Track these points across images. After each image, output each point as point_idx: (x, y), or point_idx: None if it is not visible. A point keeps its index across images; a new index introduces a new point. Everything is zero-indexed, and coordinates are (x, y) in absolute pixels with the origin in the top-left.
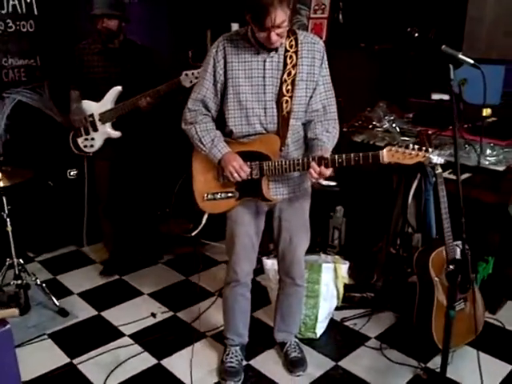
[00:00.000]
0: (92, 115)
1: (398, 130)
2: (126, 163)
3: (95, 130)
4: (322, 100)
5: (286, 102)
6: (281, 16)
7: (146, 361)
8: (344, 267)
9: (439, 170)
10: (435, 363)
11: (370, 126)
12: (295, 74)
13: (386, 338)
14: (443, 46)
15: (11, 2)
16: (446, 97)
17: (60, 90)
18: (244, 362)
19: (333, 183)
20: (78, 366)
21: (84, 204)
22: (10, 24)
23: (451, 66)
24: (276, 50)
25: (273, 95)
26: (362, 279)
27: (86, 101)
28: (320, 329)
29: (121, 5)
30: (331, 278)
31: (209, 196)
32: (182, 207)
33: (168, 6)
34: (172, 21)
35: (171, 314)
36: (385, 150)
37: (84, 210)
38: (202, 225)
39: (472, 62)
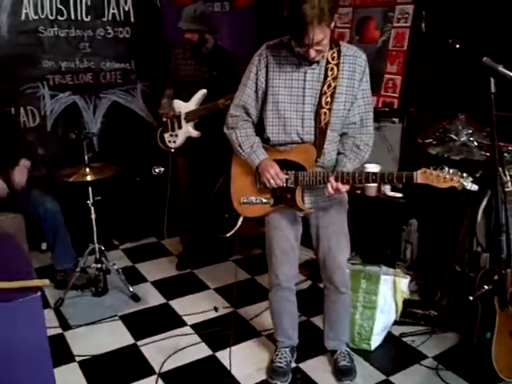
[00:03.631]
0: (180, 113)
1: (475, 144)
2: (203, 162)
3: (180, 127)
4: (360, 113)
5: (325, 113)
6: (319, 35)
7: (202, 351)
8: (404, 281)
9: (510, 188)
10: None
11: (447, 139)
12: (335, 87)
13: (444, 359)
14: (484, 58)
15: (111, 11)
16: None
17: (151, 93)
18: (293, 364)
19: (399, 194)
20: (141, 348)
21: (166, 199)
22: (110, 30)
23: (492, 79)
24: (317, 62)
25: (311, 106)
26: (427, 296)
27: (176, 100)
28: (375, 341)
29: (203, 19)
30: (390, 290)
31: (245, 200)
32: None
33: (255, 16)
34: (258, 31)
35: (232, 309)
36: (419, 172)
37: (166, 204)
38: (237, 227)
39: None
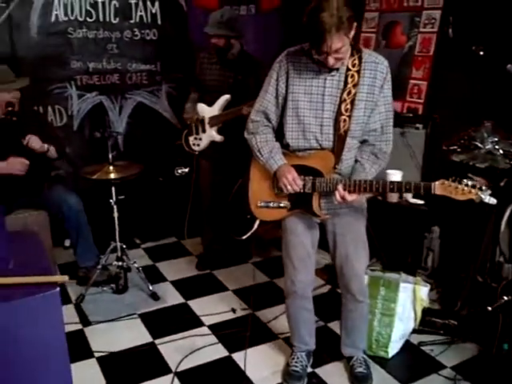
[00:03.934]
0: (203, 118)
1: (501, 152)
2: (226, 166)
3: (203, 131)
4: (381, 120)
5: (344, 120)
6: (337, 43)
7: (219, 352)
8: (424, 290)
9: None
10: None
11: (472, 147)
12: (355, 94)
13: (463, 370)
14: (508, 65)
15: (139, 13)
16: None
17: (176, 94)
18: (309, 369)
19: (421, 201)
20: (158, 346)
21: (189, 200)
22: (137, 32)
23: None
24: (337, 68)
25: (331, 113)
26: (447, 305)
27: (200, 104)
28: (393, 349)
29: (230, 24)
30: (409, 298)
31: (262, 203)
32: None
33: (281, 19)
34: (283, 34)
35: (250, 311)
36: (437, 183)
37: (188, 205)
38: (252, 230)
39: None
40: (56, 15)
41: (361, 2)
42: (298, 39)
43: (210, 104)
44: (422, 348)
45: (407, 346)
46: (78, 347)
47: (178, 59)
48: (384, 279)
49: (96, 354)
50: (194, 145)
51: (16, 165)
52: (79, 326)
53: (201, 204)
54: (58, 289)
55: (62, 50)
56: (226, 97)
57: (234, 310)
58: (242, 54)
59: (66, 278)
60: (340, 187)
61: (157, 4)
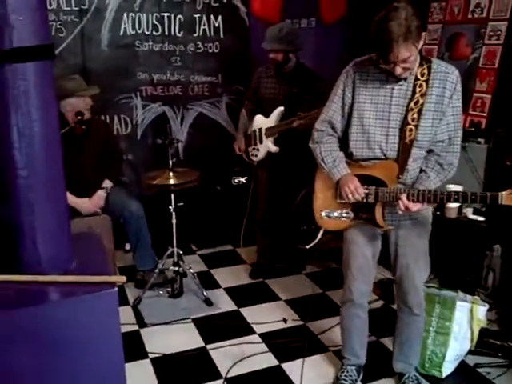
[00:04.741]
0: (260, 129)
1: None
2: (282, 176)
3: (261, 142)
4: (449, 131)
5: (410, 130)
6: (404, 53)
7: (268, 360)
8: (482, 309)
9: None
10: None
11: None
12: (423, 104)
13: None
14: None
15: (202, 27)
16: None
17: (236, 106)
18: (358, 383)
19: (481, 218)
20: (210, 352)
21: (245, 209)
22: (200, 45)
23: None
24: (405, 78)
25: (397, 123)
26: (506, 326)
27: (258, 115)
28: (447, 369)
29: (288, 38)
30: (466, 317)
31: (325, 213)
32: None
33: (341, 33)
34: (343, 47)
35: (301, 323)
36: (505, 193)
37: (245, 214)
38: (317, 239)
39: None
40: (124, 29)
41: (423, 14)
42: (361, 51)
43: (267, 115)
44: (478, 370)
45: (462, 366)
46: (134, 347)
47: (239, 71)
48: (440, 297)
49: (150, 355)
50: (252, 155)
51: (100, 201)
52: (135, 327)
53: (255, 213)
54: (116, 288)
55: (129, 62)
56: (281, 109)
57: (285, 320)
58: (297, 66)
59: (123, 278)
60: (403, 196)
61: (220, 18)
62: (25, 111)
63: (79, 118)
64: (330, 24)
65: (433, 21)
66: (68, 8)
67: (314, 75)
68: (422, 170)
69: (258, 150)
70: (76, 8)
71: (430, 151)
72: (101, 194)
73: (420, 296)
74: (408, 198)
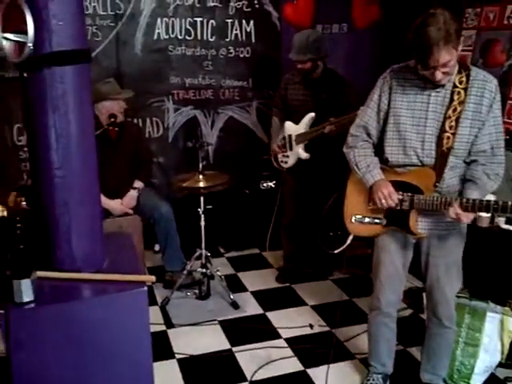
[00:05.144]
0: (290, 136)
1: None
2: (311, 182)
3: (291, 148)
4: (491, 141)
5: (448, 138)
6: (445, 56)
7: (294, 365)
8: None
9: None
10: None
11: None
12: (461, 112)
13: None
14: None
15: (234, 32)
16: None
17: (266, 110)
18: None
19: None
20: (236, 354)
21: (273, 213)
22: (231, 50)
23: None
24: (443, 85)
25: (434, 129)
26: None
27: (288, 122)
28: (476, 381)
29: (316, 46)
30: (496, 329)
31: (357, 218)
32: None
33: (372, 38)
34: (374, 53)
35: (327, 329)
36: None
37: (272, 218)
38: (346, 244)
39: None
40: (158, 33)
41: (458, 20)
42: (393, 56)
43: (297, 122)
44: None
45: (492, 379)
46: (161, 347)
47: (270, 76)
48: (470, 307)
49: (177, 356)
50: (282, 162)
51: (132, 202)
52: (163, 328)
53: (282, 217)
54: (146, 288)
55: (161, 66)
56: (312, 115)
57: (311, 326)
58: (325, 72)
59: (153, 278)
60: (456, 204)
61: (252, 23)
62: (62, 113)
63: (112, 120)
64: (362, 29)
65: (467, 27)
66: (104, 13)
67: (343, 80)
68: (468, 180)
69: (287, 156)
70: (112, 13)
71: (474, 161)
72: (133, 194)
73: (451, 308)
74: (460, 207)
